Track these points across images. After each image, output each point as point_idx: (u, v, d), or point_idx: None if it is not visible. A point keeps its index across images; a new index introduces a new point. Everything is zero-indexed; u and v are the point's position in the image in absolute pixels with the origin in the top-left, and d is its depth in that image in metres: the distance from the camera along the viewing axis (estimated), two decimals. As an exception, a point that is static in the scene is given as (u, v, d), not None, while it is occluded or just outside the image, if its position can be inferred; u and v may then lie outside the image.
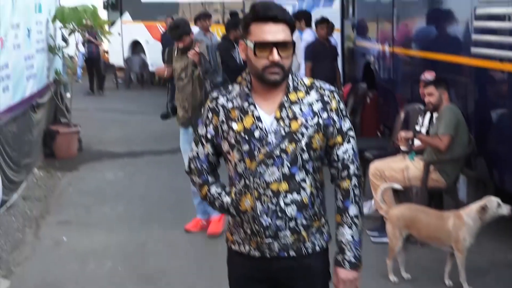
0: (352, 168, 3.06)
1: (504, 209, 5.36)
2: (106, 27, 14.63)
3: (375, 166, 6.83)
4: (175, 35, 7.15)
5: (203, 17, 12.73)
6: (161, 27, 16.09)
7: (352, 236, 3.03)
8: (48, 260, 6.57)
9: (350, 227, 3.05)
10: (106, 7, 20.46)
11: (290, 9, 13.02)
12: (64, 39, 12.48)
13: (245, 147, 2.97)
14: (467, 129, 6.62)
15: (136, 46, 19.94)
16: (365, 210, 7.18)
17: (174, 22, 7.68)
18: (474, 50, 6.88)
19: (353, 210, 3.05)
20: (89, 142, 11.85)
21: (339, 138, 3.03)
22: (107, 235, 7.22)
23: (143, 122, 14.32)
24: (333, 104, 3.02)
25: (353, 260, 3.02)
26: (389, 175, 6.63)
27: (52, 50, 11.50)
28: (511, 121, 6.36)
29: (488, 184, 6.80)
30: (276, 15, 2.90)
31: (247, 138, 2.96)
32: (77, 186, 9.42)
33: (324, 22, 10.80)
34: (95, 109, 15.81)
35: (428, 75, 7.45)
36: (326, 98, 3.01)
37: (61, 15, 11.40)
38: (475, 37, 6.89)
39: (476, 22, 6.86)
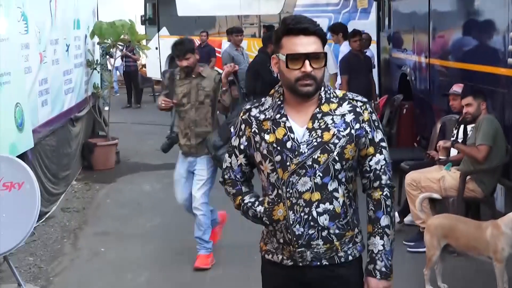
0: (384, 179, 3.07)
1: None
2: (144, 42, 14.74)
3: (411, 177, 6.80)
4: (179, 52, 6.25)
5: (235, 32, 12.88)
6: (197, 41, 16.18)
7: (383, 246, 3.06)
8: (86, 271, 6.65)
9: (381, 238, 3.06)
10: (143, 22, 20.65)
11: (326, 22, 13.04)
12: (109, 54, 12.64)
13: (277, 158, 3.00)
14: (505, 139, 6.59)
15: (173, 60, 20.03)
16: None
17: (178, 39, 6.68)
18: (511, 61, 6.86)
19: (384, 220, 3.07)
20: (126, 155, 11.98)
21: (371, 149, 3.05)
22: (144, 245, 7.29)
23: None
24: (365, 115, 3.04)
25: (383, 269, 3.05)
26: (425, 185, 6.61)
27: (90, 65, 11.64)
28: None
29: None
30: (307, 28, 2.94)
31: (279, 148, 3.00)
32: (115, 198, 9.54)
33: (356, 35, 10.71)
34: (133, 122, 15.95)
35: (457, 88, 7.46)
36: (358, 110, 3.04)
37: (99, 31, 11.54)
38: (511, 48, 6.86)
39: (512, 33, 6.83)
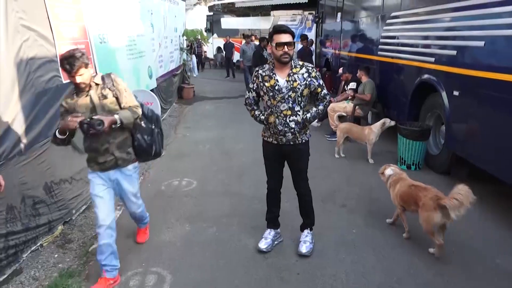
0: (326, 99, 3.04)
1: (392, 123, 5.30)
2: (206, 39, 14.39)
3: (331, 106, 6.68)
4: (70, 66, 2.57)
5: (246, 37, 12.63)
6: (228, 40, 15.75)
7: (314, 112, 3.02)
8: (180, 144, 6.58)
9: (317, 107, 3.04)
10: (206, 30, 19.98)
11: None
12: (193, 45, 12.35)
13: (271, 94, 2.98)
14: (375, 90, 6.44)
15: (219, 49, 19.58)
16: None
17: (66, 53, 2.60)
18: (380, 53, 6.63)
19: (320, 107, 3.04)
20: (198, 92, 11.65)
21: (319, 89, 3.02)
22: (207, 133, 7.18)
23: (221, 83, 14.17)
24: (313, 74, 3.01)
25: (308, 116, 3.01)
26: (337, 110, 6.50)
27: (182, 49, 11.26)
28: (391, 86, 6.11)
29: (382, 115, 6.67)
30: (285, 30, 2.88)
31: (271, 89, 2.97)
32: (193, 111, 9.32)
33: (305, 38, 10.41)
34: (200, 77, 15.58)
35: (340, 70, 7.68)
36: (310, 71, 3.00)
37: (186, 33, 11.19)
38: (380, 46, 6.61)
39: (381, 39, 6.59)
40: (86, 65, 2.66)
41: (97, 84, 2.76)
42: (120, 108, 2.79)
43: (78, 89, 2.73)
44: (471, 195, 2.88)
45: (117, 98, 2.78)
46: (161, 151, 3.10)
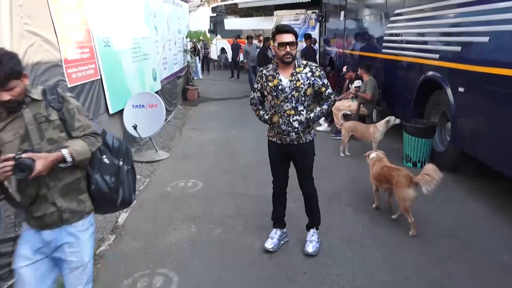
0: (330, 99, 3.04)
1: (397, 120, 5.30)
2: (210, 41, 14.43)
3: (335, 104, 6.66)
4: None
5: (248, 38, 12.67)
6: (234, 41, 15.77)
7: (318, 111, 3.02)
8: (185, 145, 6.58)
9: (320, 107, 3.04)
10: (210, 31, 20.06)
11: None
12: (195, 46, 12.36)
13: (274, 94, 2.99)
14: (378, 89, 6.42)
15: (223, 50, 19.60)
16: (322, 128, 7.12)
17: None
18: (384, 50, 6.58)
19: (325, 106, 3.04)
20: (202, 93, 11.66)
21: (323, 88, 3.02)
22: (211, 134, 7.18)
23: (225, 84, 14.18)
24: (317, 73, 3.01)
25: (312, 116, 3.01)
26: (342, 108, 6.48)
27: (185, 51, 11.28)
28: (396, 83, 6.08)
29: (386, 113, 6.66)
30: (287, 29, 2.89)
31: (275, 89, 2.98)
32: (198, 113, 9.33)
33: (308, 38, 10.38)
34: (205, 78, 15.59)
35: (344, 69, 7.65)
36: (313, 70, 3.00)
37: (190, 35, 11.25)
38: (384, 44, 6.57)
39: (385, 37, 6.57)
40: (19, 74, 1.72)
41: (35, 100, 1.81)
42: (69, 136, 1.83)
43: (5, 109, 1.75)
44: (439, 172, 3.26)
45: (64, 122, 1.82)
46: (131, 198, 2.04)
